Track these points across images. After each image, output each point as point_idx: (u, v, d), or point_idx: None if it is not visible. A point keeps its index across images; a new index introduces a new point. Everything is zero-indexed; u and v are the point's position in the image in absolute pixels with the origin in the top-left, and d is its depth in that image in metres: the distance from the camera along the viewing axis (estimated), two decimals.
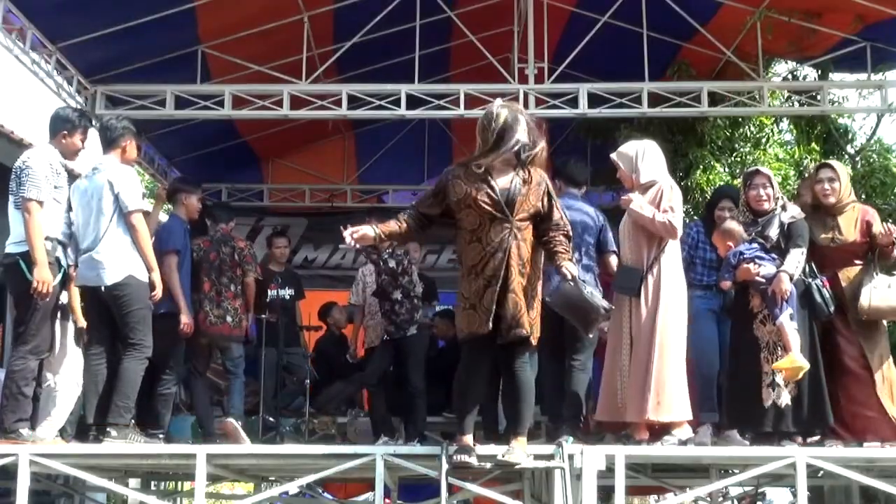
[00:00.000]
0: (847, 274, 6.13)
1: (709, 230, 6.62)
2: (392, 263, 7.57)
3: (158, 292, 5.99)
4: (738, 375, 6.11)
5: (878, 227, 6.10)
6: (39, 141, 6.06)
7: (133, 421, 5.98)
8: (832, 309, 6.02)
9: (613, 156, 6.02)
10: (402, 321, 7.57)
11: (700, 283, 6.59)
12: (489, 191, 4.99)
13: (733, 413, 6.20)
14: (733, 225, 6.15)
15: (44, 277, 5.61)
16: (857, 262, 6.14)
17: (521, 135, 5.02)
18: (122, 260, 5.83)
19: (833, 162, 6.50)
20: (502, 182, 5.02)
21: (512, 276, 4.97)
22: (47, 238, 5.73)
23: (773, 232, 6.02)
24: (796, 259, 5.91)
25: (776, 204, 6.11)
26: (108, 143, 6.08)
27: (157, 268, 5.98)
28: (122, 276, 5.81)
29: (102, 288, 5.81)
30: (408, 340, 7.62)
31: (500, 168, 5.05)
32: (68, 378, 6.19)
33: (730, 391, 6.23)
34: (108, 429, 5.77)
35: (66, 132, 5.96)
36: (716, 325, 6.59)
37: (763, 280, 5.91)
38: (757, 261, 5.93)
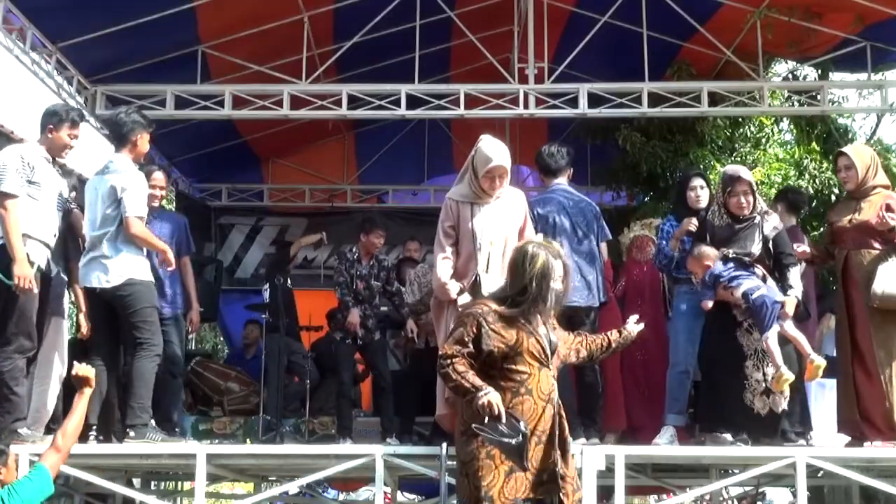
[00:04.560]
0: (861, 257, 6.00)
1: (680, 214, 6.55)
2: (364, 270, 7.74)
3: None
4: (719, 385, 5.97)
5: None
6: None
7: (152, 420, 5.97)
8: (811, 315, 6.06)
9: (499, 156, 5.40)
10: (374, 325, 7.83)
11: (684, 277, 6.53)
12: (537, 336, 4.50)
13: (714, 418, 6.06)
14: (704, 248, 5.98)
15: (24, 272, 5.52)
16: (876, 245, 5.98)
17: (557, 283, 4.53)
18: (123, 262, 5.80)
19: (848, 149, 6.38)
20: (539, 327, 4.55)
21: (566, 433, 4.56)
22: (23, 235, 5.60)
23: (756, 247, 5.92)
24: (798, 277, 5.88)
25: (756, 211, 5.98)
26: (119, 139, 5.97)
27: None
28: (121, 280, 5.78)
29: (97, 290, 5.80)
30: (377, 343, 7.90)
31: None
32: (53, 375, 6.15)
33: (710, 399, 6.10)
34: (127, 430, 5.78)
35: (51, 126, 5.82)
36: (696, 322, 6.38)
37: (742, 298, 5.78)
38: (734, 282, 5.81)
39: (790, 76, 10.24)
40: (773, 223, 5.99)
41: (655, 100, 8.88)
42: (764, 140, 10.82)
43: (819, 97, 9.16)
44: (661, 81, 9.24)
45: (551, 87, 8.83)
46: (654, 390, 6.85)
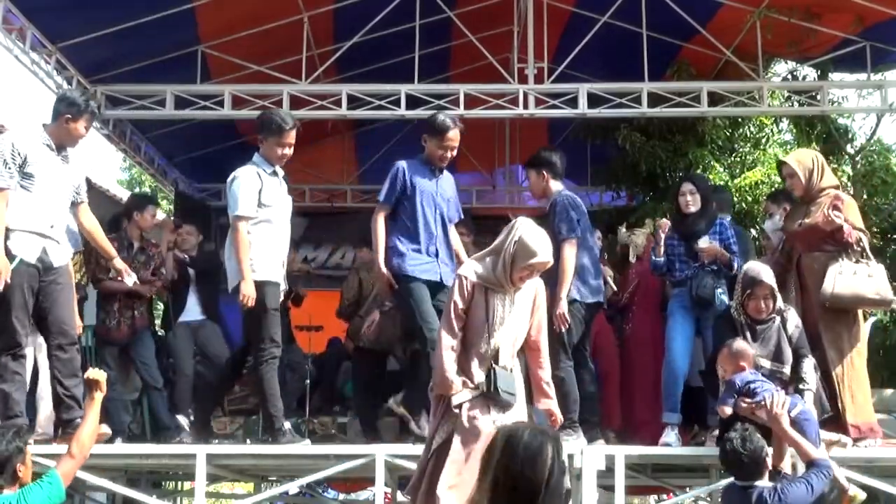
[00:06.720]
0: (811, 260, 6.03)
1: (674, 218, 6.66)
2: None
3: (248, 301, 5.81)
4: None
5: (844, 214, 5.96)
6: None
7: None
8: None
9: None
10: None
11: (677, 280, 6.54)
12: None
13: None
14: (744, 347, 5.50)
15: None
16: (827, 247, 5.98)
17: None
18: (235, 263, 5.90)
19: (789, 157, 6.47)
20: None
21: None
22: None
23: (787, 351, 5.66)
24: (812, 369, 5.67)
25: (773, 311, 5.74)
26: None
27: (248, 278, 5.79)
28: (236, 281, 5.88)
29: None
30: None
31: None
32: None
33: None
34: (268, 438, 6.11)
35: (69, 116, 5.53)
36: (690, 324, 6.43)
37: (765, 406, 5.18)
38: (757, 396, 5.26)
39: (790, 76, 10.23)
40: (793, 322, 5.77)
41: (655, 100, 8.87)
42: (764, 140, 10.83)
43: (819, 97, 9.16)
44: (661, 81, 9.24)
45: (551, 87, 8.83)
46: (655, 391, 6.85)
